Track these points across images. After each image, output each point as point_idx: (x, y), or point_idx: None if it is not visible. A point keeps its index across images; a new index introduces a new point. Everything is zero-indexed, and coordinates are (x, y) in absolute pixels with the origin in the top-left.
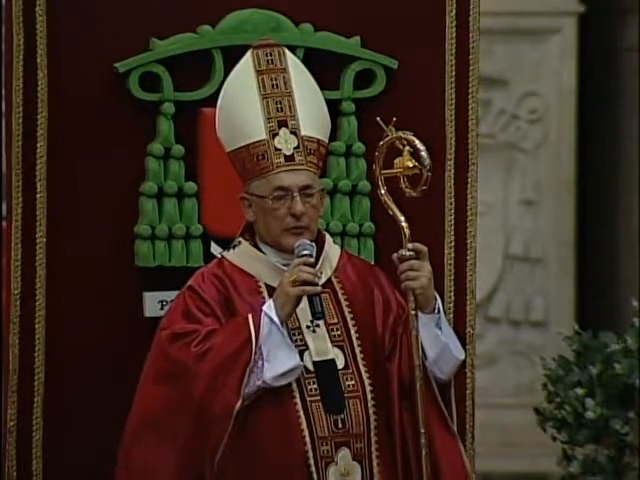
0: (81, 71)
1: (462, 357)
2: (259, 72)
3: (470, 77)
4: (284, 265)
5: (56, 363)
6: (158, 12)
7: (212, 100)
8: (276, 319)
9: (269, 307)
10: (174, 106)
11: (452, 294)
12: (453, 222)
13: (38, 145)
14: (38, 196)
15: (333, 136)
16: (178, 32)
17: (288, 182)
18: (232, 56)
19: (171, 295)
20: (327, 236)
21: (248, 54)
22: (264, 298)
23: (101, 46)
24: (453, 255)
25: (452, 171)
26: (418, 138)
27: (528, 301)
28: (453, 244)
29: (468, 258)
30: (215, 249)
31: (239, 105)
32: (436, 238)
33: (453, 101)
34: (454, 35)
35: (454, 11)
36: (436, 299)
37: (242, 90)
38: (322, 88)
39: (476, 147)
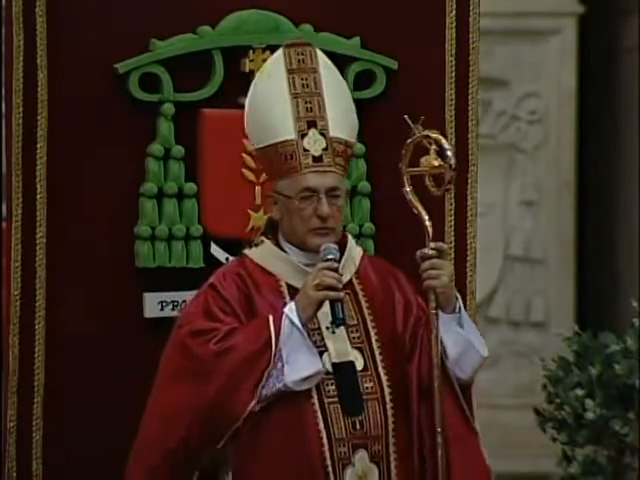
0: (81, 72)
1: (486, 354)
2: (290, 71)
3: (470, 77)
4: (306, 265)
5: (56, 363)
6: (158, 13)
7: (212, 101)
8: (297, 322)
9: (290, 309)
10: (174, 107)
11: None
12: (453, 222)
13: (38, 145)
14: (38, 196)
15: None
16: (178, 33)
17: (315, 183)
18: (232, 57)
19: (171, 296)
20: (349, 237)
21: (280, 52)
22: (285, 298)
23: (101, 46)
24: (453, 255)
25: None
26: (445, 137)
27: (528, 302)
28: (453, 244)
29: (468, 258)
30: (215, 250)
31: (269, 103)
32: (436, 238)
33: (453, 101)
34: (454, 35)
35: (454, 11)
36: (457, 298)
37: (272, 88)
38: None
39: (476, 148)
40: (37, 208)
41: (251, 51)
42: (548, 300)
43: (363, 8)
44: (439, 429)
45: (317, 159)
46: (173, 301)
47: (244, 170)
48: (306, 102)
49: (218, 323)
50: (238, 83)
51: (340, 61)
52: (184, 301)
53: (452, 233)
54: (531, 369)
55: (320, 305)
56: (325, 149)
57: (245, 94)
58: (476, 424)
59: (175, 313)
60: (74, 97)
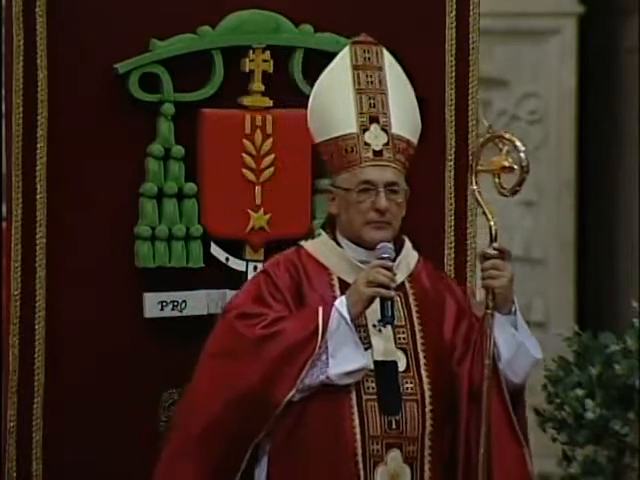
0: (81, 71)
1: (539, 356)
2: (355, 67)
3: (470, 77)
4: (361, 262)
5: (56, 363)
6: (158, 13)
7: (212, 101)
8: (346, 315)
9: (341, 303)
10: (174, 107)
11: None
12: (453, 222)
13: (38, 145)
14: (38, 196)
15: None
16: (178, 33)
17: (374, 176)
18: (232, 57)
19: (171, 296)
20: (407, 241)
21: (346, 49)
22: (335, 292)
23: (101, 46)
24: (453, 255)
25: (452, 171)
26: (519, 139)
27: (528, 301)
28: (453, 244)
29: (468, 258)
30: (215, 250)
31: (333, 97)
32: (436, 238)
33: (453, 101)
34: (454, 35)
35: (454, 12)
36: (513, 302)
37: (337, 83)
38: None
39: (476, 148)
40: (37, 208)
41: (251, 51)
42: (548, 300)
43: (363, 8)
44: (484, 428)
45: (377, 153)
46: (173, 301)
47: (244, 170)
48: (370, 98)
49: (267, 309)
50: (238, 83)
51: None
52: (184, 301)
53: (452, 233)
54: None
55: (370, 302)
56: (386, 144)
57: (245, 94)
58: (528, 433)
59: (175, 313)
60: (74, 97)
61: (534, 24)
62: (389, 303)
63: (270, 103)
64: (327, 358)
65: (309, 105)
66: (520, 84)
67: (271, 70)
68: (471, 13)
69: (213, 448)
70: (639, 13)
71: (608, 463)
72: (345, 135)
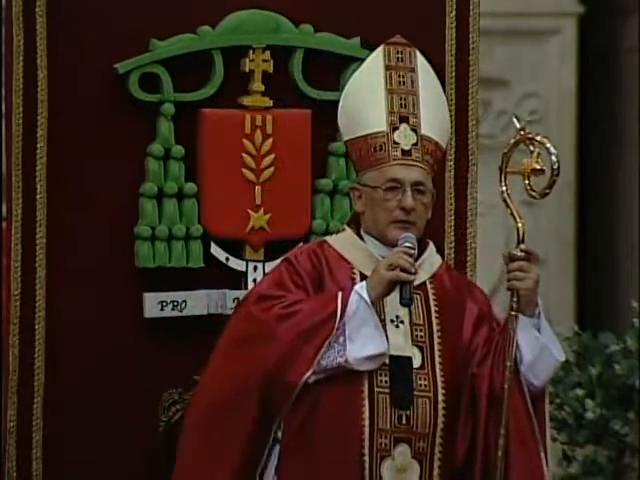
0: (81, 71)
1: (562, 359)
2: (388, 67)
3: (470, 77)
4: (382, 257)
5: (56, 363)
6: (158, 13)
7: (212, 101)
8: (366, 297)
9: (361, 286)
10: (174, 107)
11: None
12: (453, 222)
13: (38, 145)
14: (38, 196)
15: (334, 137)
16: (178, 33)
17: (402, 175)
18: (232, 57)
19: (171, 296)
20: (431, 244)
21: (380, 49)
22: (356, 284)
23: (101, 46)
24: (453, 255)
25: (452, 171)
26: (550, 141)
27: None
28: (453, 244)
29: (468, 258)
30: (215, 250)
31: (364, 95)
32: (436, 238)
33: (453, 101)
34: (454, 35)
35: (454, 12)
36: (537, 305)
37: (369, 83)
38: (322, 88)
39: (476, 148)
40: (37, 208)
41: (251, 51)
42: (548, 300)
43: (363, 8)
44: (503, 431)
45: (406, 153)
46: (173, 301)
47: (244, 170)
48: (401, 98)
49: (286, 292)
50: (238, 83)
51: (340, 61)
52: (184, 301)
53: (452, 233)
54: None
55: (390, 287)
56: (415, 144)
57: (245, 94)
58: (548, 440)
59: (175, 313)
60: (74, 97)
61: (534, 24)
62: (408, 286)
63: (270, 103)
64: (345, 340)
65: (340, 104)
66: (520, 84)
67: (271, 70)
68: (471, 13)
69: (232, 441)
70: (639, 13)
71: (608, 463)
72: (374, 133)
